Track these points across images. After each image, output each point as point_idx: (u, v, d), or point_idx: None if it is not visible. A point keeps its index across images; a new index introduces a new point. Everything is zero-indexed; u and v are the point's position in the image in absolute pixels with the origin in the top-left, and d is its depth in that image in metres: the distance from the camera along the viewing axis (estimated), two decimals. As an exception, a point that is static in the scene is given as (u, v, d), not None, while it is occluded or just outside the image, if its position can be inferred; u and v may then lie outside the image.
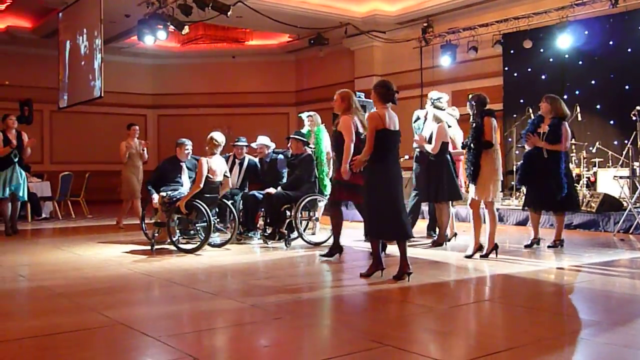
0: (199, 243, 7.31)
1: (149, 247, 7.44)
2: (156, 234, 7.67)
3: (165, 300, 5.04)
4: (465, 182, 7.48)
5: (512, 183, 12.05)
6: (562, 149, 7.13)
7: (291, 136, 8.32)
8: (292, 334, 3.91)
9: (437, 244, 7.65)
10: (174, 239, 7.34)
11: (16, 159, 9.33)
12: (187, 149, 8.51)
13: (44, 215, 12.32)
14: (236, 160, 8.79)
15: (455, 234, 8.04)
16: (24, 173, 9.55)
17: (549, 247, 7.29)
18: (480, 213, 6.72)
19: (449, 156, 7.60)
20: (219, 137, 7.63)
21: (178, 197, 7.50)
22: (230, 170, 8.56)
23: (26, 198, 9.94)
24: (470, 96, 6.93)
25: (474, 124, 6.69)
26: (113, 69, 15.96)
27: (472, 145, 6.65)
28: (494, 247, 6.63)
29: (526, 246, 7.39)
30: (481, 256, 6.61)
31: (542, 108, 7.32)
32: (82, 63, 13.53)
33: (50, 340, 3.72)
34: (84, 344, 3.68)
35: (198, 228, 7.60)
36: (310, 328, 4.05)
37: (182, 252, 7.21)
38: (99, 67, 12.56)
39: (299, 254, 7.22)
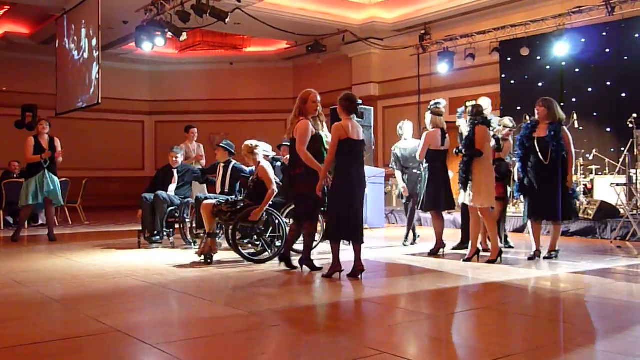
0: (270, 254, 7.07)
1: (134, 250, 7.40)
2: (197, 246, 7.63)
3: (163, 307, 5.02)
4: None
5: (510, 190, 12.07)
6: (571, 157, 6.84)
7: (283, 143, 8.32)
8: (289, 342, 3.91)
9: (433, 253, 7.59)
10: (242, 250, 7.01)
11: (46, 165, 9.37)
12: (176, 157, 8.76)
13: (40, 222, 12.29)
14: (221, 164, 8.81)
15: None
16: (55, 178, 9.55)
17: (545, 258, 7.04)
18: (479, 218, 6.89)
19: (444, 164, 7.64)
20: (251, 141, 7.40)
21: (240, 204, 7.09)
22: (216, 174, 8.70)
23: (62, 202, 10.07)
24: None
25: (468, 133, 6.89)
26: (111, 76, 15.99)
27: (463, 152, 6.84)
28: (477, 252, 6.91)
29: (530, 259, 7.01)
30: (464, 260, 6.86)
31: (539, 112, 6.99)
32: (80, 69, 13.53)
33: (46, 347, 3.71)
34: (80, 351, 3.67)
35: (269, 238, 7.21)
36: (307, 335, 4.04)
37: (252, 262, 6.92)
38: (96, 73, 12.57)
39: (295, 262, 7.19)
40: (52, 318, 4.51)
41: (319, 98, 6.40)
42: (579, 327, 4.24)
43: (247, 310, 4.66)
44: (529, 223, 7.21)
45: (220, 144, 8.67)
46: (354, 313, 4.91)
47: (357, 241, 5.93)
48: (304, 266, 6.36)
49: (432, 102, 7.80)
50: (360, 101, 6.12)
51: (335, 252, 5.93)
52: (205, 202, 7.27)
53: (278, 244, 7.15)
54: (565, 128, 6.98)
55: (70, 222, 12.74)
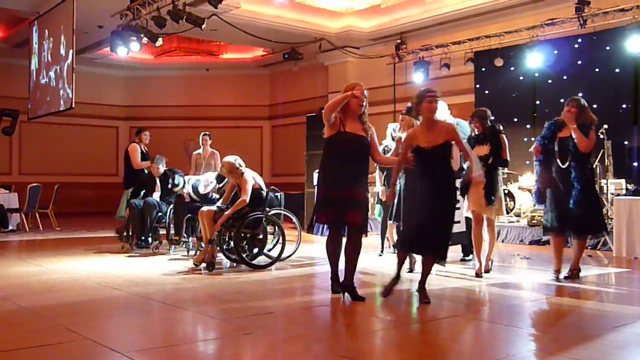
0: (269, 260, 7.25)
1: (121, 258, 7.30)
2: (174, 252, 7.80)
3: (135, 314, 4.96)
4: None
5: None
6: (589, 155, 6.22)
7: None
8: (263, 349, 3.88)
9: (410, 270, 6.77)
10: (244, 256, 7.04)
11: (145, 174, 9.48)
12: (158, 167, 8.77)
13: (10, 228, 12.08)
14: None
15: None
16: None
17: (565, 278, 6.28)
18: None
19: None
20: (231, 158, 7.30)
21: (243, 210, 7.07)
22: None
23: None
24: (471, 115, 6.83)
25: (491, 141, 6.50)
26: (85, 80, 15.81)
27: (489, 162, 6.42)
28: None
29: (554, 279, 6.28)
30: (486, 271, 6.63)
31: (570, 114, 6.13)
32: (54, 73, 13.37)
33: (14, 355, 3.63)
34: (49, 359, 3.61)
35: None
36: (281, 343, 4.02)
37: (253, 268, 6.98)
38: (70, 77, 12.42)
39: (271, 270, 7.17)
40: (20, 325, 4.42)
41: (363, 92, 5.44)
42: (551, 335, 4.28)
43: (220, 317, 4.62)
44: (550, 238, 6.54)
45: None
46: (329, 320, 4.90)
47: (427, 253, 5.32)
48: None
49: (408, 105, 6.92)
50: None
51: (398, 263, 5.39)
52: (206, 208, 7.23)
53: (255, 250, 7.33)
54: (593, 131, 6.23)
55: (41, 228, 12.55)
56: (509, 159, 6.58)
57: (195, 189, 8.37)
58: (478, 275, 6.44)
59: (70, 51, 12.40)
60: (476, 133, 6.67)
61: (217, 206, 7.23)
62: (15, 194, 12.57)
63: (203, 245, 7.19)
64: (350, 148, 5.28)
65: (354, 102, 5.34)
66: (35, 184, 12.65)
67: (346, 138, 5.27)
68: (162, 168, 8.96)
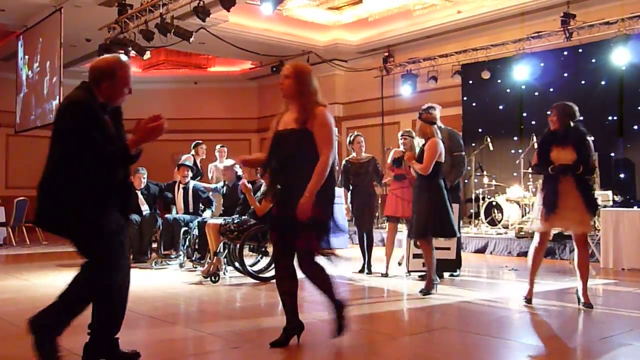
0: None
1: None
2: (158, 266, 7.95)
3: (122, 329, 4.91)
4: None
5: (472, 211, 12.24)
6: None
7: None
8: (251, 363, 3.86)
9: (426, 292, 6.12)
10: (248, 267, 7.11)
11: None
12: (142, 178, 8.72)
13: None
14: (180, 185, 8.78)
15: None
16: None
17: None
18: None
19: (442, 181, 6.25)
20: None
21: (248, 223, 7.08)
22: (175, 194, 8.79)
23: None
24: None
25: (576, 144, 5.50)
26: (72, 93, 15.74)
27: (577, 171, 5.43)
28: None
29: None
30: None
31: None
32: (41, 87, 13.33)
33: (-1, 371, 3.60)
34: (35, 375, 3.57)
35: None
36: (269, 357, 4.00)
37: (259, 280, 7.02)
38: (57, 91, 12.39)
39: (260, 284, 7.15)
40: (5, 339, 4.38)
41: (285, 71, 4.33)
42: (538, 347, 4.28)
43: (208, 331, 4.60)
44: None
45: (184, 163, 8.72)
46: (318, 334, 4.88)
47: None
48: None
49: (423, 107, 6.44)
50: None
51: None
52: (212, 221, 7.33)
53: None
54: None
55: (28, 242, 12.43)
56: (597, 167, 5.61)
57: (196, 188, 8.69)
58: (528, 300, 5.65)
59: (58, 64, 12.37)
60: (551, 130, 5.71)
61: (224, 219, 7.25)
62: (2, 208, 12.47)
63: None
64: (273, 150, 4.09)
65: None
66: (22, 198, 12.55)
67: (273, 138, 4.12)
68: (144, 180, 8.91)
